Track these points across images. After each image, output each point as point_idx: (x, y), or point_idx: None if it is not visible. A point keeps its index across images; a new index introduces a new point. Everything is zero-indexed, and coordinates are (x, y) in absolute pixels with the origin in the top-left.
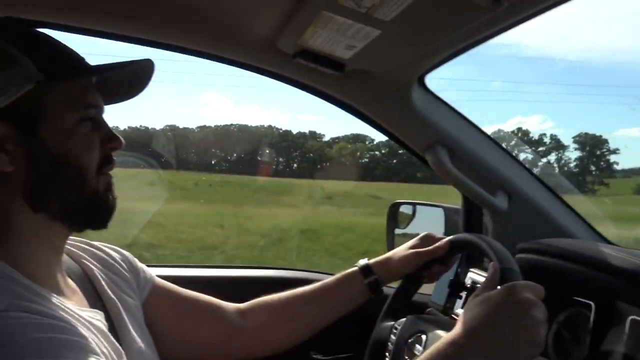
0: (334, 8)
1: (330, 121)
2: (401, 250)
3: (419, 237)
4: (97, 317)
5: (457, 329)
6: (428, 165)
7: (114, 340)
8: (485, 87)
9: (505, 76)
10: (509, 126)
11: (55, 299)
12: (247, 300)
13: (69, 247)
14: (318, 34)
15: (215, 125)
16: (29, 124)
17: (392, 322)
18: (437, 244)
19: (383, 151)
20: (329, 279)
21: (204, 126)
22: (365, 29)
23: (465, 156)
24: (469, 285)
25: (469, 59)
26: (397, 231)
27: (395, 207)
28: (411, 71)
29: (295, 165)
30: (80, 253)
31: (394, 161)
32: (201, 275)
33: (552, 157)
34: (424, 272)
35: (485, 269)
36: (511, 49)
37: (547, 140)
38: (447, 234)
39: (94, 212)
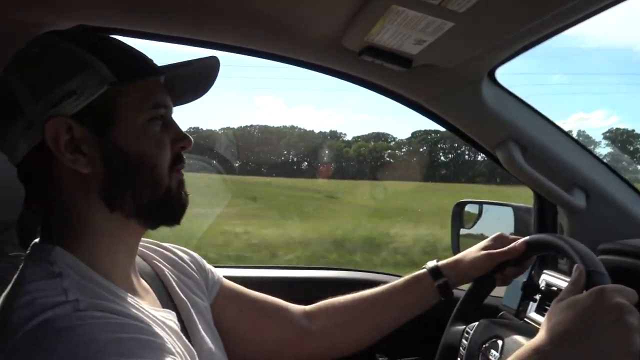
0: (406, 1)
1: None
2: (472, 251)
3: (491, 237)
4: (170, 317)
5: (542, 335)
6: (498, 163)
7: (187, 341)
8: (545, 81)
9: (567, 69)
10: (570, 122)
11: (131, 299)
12: (312, 302)
13: (141, 249)
14: (386, 30)
15: (237, 127)
16: (102, 125)
17: (463, 326)
18: (512, 245)
19: (404, 150)
20: (396, 281)
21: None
22: (437, 21)
23: (538, 152)
24: (543, 288)
25: (528, 51)
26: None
27: (460, 206)
28: (482, 65)
29: (305, 163)
30: (152, 254)
31: (414, 159)
32: (266, 276)
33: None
34: (496, 275)
35: (560, 271)
36: (573, 41)
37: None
38: (516, 234)
39: (167, 209)
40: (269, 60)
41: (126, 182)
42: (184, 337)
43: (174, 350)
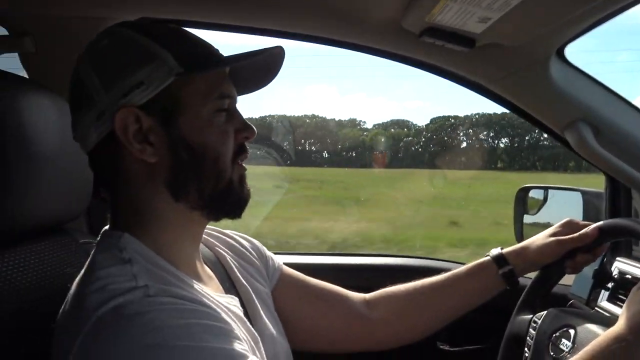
0: None
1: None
2: (540, 238)
3: (560, 223)
4: (233, 303)
5: (622, 323)
6: (567, 146)
7: (250, 326)
8: (612, 59)
9: (636, 46)
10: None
11: (196, 285)
12: (372, 289)
13: (203, 236)
14: (448, 8)
15: (259, 117)
16: (169, 115)
17: (530, 316)
18: (583, 231)
19: (423, 137)
20: (459, 269)
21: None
22: None
23: (612, 133)
24: (616, 277)
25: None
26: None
27: (524, 191)
28: (550, 42)
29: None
30: (214, 241)
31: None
32: (326, 263)
33: None
34: (566, 262)
35: (635, 259)
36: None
37: None
38: (585, 220)
39: (229, 202)
40: (320, 49)
41: (190, 173)
42: (247, 323)
43: (240, 335)
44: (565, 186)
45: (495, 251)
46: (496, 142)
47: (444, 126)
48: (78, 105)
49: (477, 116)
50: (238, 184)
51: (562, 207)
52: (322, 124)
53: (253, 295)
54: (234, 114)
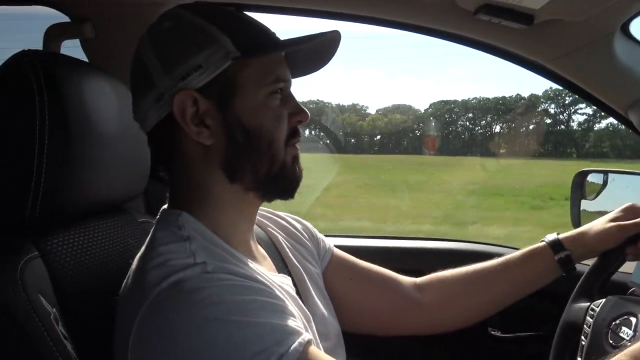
0: None
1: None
2: (599, 223)
3: (621, 208)
4: (286, 282)
5: None
6: (631, 126)
7: (302, 305)
8: None
9: None
10: None
11: (251, 264)
12: (423, 273)
13: (257, 217)
14: None
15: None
16: (225, 99)
17: (588, 303)
18: None
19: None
20: (512, 254)
21: None
22: None
23: None
24: None
25: None
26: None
27: (581, 175)
28: (614, 18)
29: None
30: (266, 222)
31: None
32: (376, 246)
33: None
34: (627, 249)
35: None
36: None
37: None
38: None
39: (282, 183)
40: (368, 31)
41: (245, 155)
42: (300, 301)
43: (293, 312)
44: (627, 170)
45: (551, 236)
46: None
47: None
48: (139, 87)
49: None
50: (291, 165)
51: (623, 191)
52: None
53: (305, 276)
54: (288, 97)
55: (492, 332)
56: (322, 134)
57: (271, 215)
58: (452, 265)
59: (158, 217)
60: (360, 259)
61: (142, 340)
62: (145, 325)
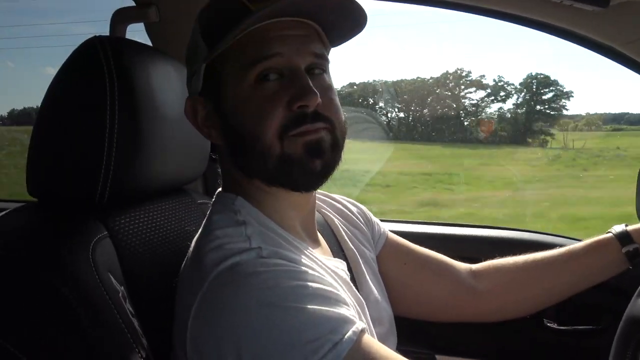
0: None
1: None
2: None
3: None
4: (341, 267)
5: None
6: None
7: (356, 291)
8: None
9: None
10: None
11: (306, 249)
12: (479, 261)
13: None
14: None
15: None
16: (216, 99)
17: None
18: None
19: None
20: (575, 245)
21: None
22: None
23: None
24: None
25: None
26: None
27: None
28: None
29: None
30: (321, 204)
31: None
32: (432, 232)
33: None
34: None
35: None
36: None
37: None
38: None
39: (289, 177)
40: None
41: (241, 154)
42: (353, 287)
43: (347, 300)
44: None
45: (618, 228)
46: None
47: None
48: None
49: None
50: (301, 154)
51: None
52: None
53: (360, 260)
54: (291, 77)
55: (548, 324)
56: None
57: (326, 198)
58: (510, 254)
59: (214, 199)
60: (416, 244)
61: (200, 321)
62: (203, 305)
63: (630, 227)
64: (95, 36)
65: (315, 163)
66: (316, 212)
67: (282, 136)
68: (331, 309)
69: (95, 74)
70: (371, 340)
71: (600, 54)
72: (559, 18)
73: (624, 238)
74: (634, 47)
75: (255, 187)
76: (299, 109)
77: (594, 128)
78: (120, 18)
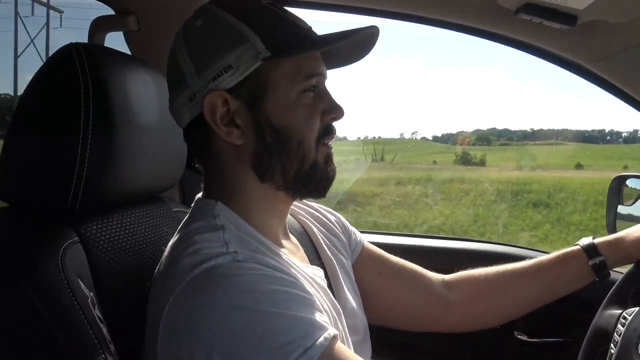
0: None
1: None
2: (637, 230)
3: None
4: (318, 274)
5: None
6: None
7: (333, 298)
8: None
9: None
10: None
11: (284, 255)
12: (450, 272)
13: (291, 207)
14: None
15: None
16: (255, 99)
17: (620, 311)
18: None
19: None
20: (544, 257)
21: None
22: None
23: None
24: None
25: None
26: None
27: (619, 180)
28: None
29: None
30: (299, 211)
31: None
32: (406, 244)
33: None
34: None
35: None
36: None
37: None
38: None
39: (314, 182)
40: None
41: (275, 155)
42: (331, 295)
43: (321, 307)
44: None
45: (586, 240)
46: None
47: None
48: (174, 85)
49: None
50: (324, 164)
51: None
52: None
53: (337, 268)
54: (322, 93)
55: (519, 336)
56: None
57: (304, 206)
58: (482, 266)
59: (193, 205)
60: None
61: (172, 323)
62: (176, 308)
63: (597, 240)
64: (71, 43)
65: (331, 170)
66: (294, 220)
67: (318, 143)
68: (304, 315)
69: (70, 80)
70: (343, 347)
71: (570, 71)
72: (530, 35)
73: (590, 250)
74: (602, 65)
75: (257, 193)
76: (330, 121)
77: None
78: (99, 26)
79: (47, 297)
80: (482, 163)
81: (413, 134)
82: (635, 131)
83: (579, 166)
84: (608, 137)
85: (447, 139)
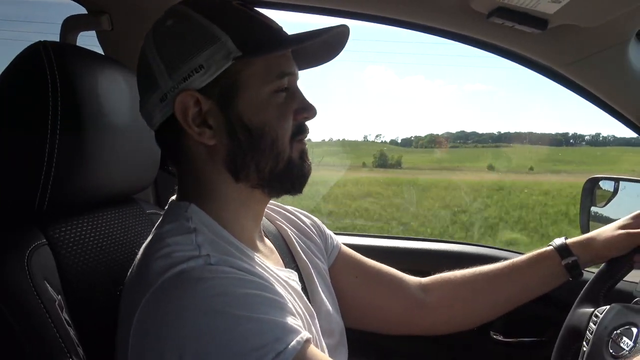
0: None
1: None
2: (608, 230)
3: (631, 215)
4: (292, 277)
5: None
6: None
7: (307, 301)
8: None
9: None
10: None
11: (257, 258)
12: (428, 274)
13: (266, 210)
14: None
15: None
16: (227, 98)
17: (592, 309)
18: None
19: None
20: (518, 258)
21: None
22: None
23: None
24: None
25: None
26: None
27: (592, 182)
28: (630, 24)
29: None
30: (275, 215)
31: None
32: (383, 246)
33: None
34: (635, 257)
35: None
36: None
37: None
38: None
39: (290, 179)
40: (379, 30)
41: (249, 154)
42: (304, 298)
43: (294, 310)
44: (639, 178)
45: (558, 241)
46: None
47: None
48: (144, 86)
49: None
50: (299, 160)
51: (634, 200)
52: None
53: (312, 271)
54: (294, 92)
55: (495, 336)
56: None
57: (280, 210)
58: (457, 268)
59: (166, 208)
60: (368, 257)
61: (143, 326)
62: (147, 311)
63: (569, 240)
64: (39, 41)
65: (306, 166)
66: (270, 223)
67: (292, 141)
68: (276, 318)
69: (38, 79)
70: (316, 351)
71: (542, 74)
72: (502, 39)
73: (563, 251)
74: (572, 68)
75: (232, 194)
76: (303, 119)
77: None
78: (71, 25)
79: (12, 300)
80: (398, 165)
81: (377, 136)
82: (597, 134)
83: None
84: (571, 140)
85: (410, 143)
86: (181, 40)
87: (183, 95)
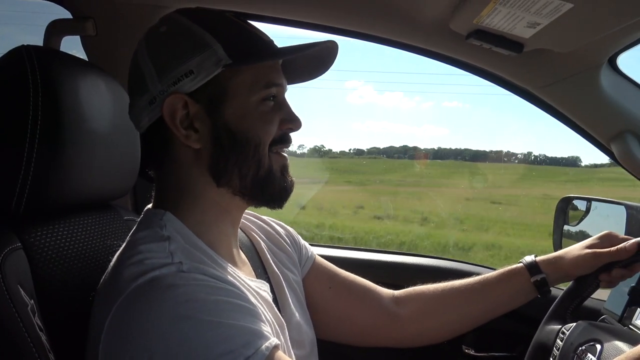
0: None
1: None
2: (576, 249)
3: (598, 235)
4: (263, 288)
5: None
6: (613, 157)
7: (277, 312)
8: None
9: None
10: None
11: (230, 268)
12: (402, 287)
13: (241, 220)
14: (497, 12)
15: None
16: (215, 103)
17: (559, 326)
18: (621, 245)
19: None
20: (490, 274)
21: None
22: (554, 3)
23: None
24: None
25: None
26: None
27: (565, 201)
28: (602, 50)
29: None
30: (250, 225)
31: None
32: (357, 258)
33: None
34: (601, 275)
35: None
36: None
37: None
38: (628, 235)
39: (270, 189)
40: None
41: (232, 159)
42: (275, 308)
43: (265, 318)
44: (610, 199)
45: (528, 258)
46: None
47: None
48: (135, 89)
49: None
50: (280, 173)
51: (604, 220)
52: None
53: (283, 283)
54: (281, 103)
55: (466, 351)
56: None
57: (255, 219)
58: (430, 281)
59: (142, 215)
60: (343, 269)
61: (114, 332)
62: (118, 317)
63: (538, 258)
64: (22, 45)
65: (288, 181)
66: (243, 234)
67: (271, 148)
68: (247, 324)
69: (19, 83)
70: (285, 357)
71: (519, 95)
72: (480, 60)
73: (532, 268)
74: (546, 91)
75: (212, 198)
76: (287, 130)
77: None
78: (56, 30)
79: None
80: None
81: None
82: (574, 157)
83: None
84: (548, 161)
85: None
86: (173, 45)
87: (172, 97)
